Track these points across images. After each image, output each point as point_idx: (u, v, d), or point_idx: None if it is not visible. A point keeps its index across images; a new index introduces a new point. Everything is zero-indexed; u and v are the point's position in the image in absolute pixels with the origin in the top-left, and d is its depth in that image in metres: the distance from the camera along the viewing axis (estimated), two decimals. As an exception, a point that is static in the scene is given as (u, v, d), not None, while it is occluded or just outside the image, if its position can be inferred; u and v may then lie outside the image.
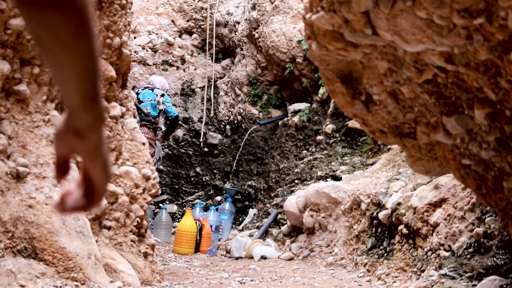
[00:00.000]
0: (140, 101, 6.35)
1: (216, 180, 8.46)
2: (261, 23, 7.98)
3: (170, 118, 6.67)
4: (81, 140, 0.81)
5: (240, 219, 7.41)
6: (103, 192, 0.85)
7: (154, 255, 3.86)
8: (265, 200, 7.24)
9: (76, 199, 0.84)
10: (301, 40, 7.40)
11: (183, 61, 9.19)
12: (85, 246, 3.16)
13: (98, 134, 0.82)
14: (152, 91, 6.56)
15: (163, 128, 6.88)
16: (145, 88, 6.71)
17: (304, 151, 7.21)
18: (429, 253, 3.52)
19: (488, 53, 1.54)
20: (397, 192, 4.34)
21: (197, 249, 6.12)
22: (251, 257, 5.53)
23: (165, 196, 8.39)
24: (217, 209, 7.04)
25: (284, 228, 5.95)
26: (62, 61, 0.78)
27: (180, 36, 9.30)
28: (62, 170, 0.85)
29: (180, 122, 7.38)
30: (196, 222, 6.22)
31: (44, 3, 0.72)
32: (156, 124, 6.49)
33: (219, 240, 6.63)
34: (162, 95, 6.55)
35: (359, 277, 4.17)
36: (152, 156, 6.17)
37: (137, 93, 6.39)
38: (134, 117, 4.18)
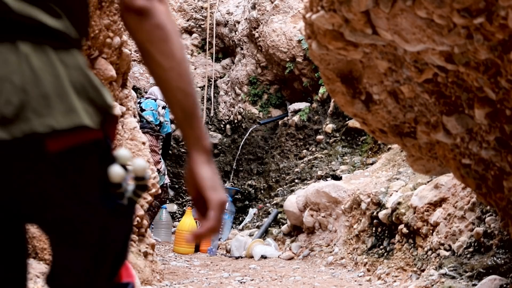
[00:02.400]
0: (142, 109, 6.44)
1: (216, 179, 8.46)
2: (261, 23, 7.98)
3: (164, 134, 6.71)
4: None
5: (240, 218, 7.41)
6: (219, 197, 1.00)
7: (154, 254, 3.86)
8: (265, 199, 7.24)
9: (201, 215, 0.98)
10: (301, 40, 7.40)
11: (183, 60, 9.18)
12: (85, 246, 3.16)
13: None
14: (155, 101, 6.61)
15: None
16: (147, 98, 6.75)
17: (304, 151, 7.21)
18: (429, 252, 3.52)
19: (488, 53, 1.54)
20: (397, 191, 4.34)
21: (197, 249, 6.12)
22: (251, 257, 5.54)
23: (168, 197, 8.39)
24: (217, 209, 7.04)
25: (284, 228, 5.96)
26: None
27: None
28: (202, 207, 1.00)
29: (171, 138, 7.35)
30: (196, 222, 6.22)
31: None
32: (158, 131, 6.53)
33: (219, 239, 6.63)
34: (164, 108, 6.60)
35: (359, 277, 4.17)
36: (159, 162, 6.19)
37: (139, 102, 6.48)
38: (134, 116, 4.18)
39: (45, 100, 0.85)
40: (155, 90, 6.93)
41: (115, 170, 0.94)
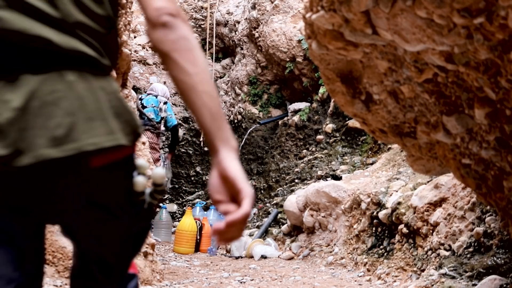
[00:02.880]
0: (143, 106, 6.46)
1: (216, 179, 8.46)
2: (261, 23, 7.98)
3: (169, 128, 6.73)
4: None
5: (240, 218, 7.41)
6: (250, 189, 1.06)
7: (154, 254, 3.86)
8: (265, 199, 7.24)
9: (235, 207, 1.05)
10: (301, 40, 7.40)
11: (183, 60, 9.19)
12: (85, 246, 3.16)
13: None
14: (156, 97, 6.63)
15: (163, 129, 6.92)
16: (148, 94, 6.76)
17: (304, 151, 7.21)
18: (429, 252, 3.52)
19: (488, 53, 1.54)
20: (397, 191, 4.34)
21: (197, 249, 6.12)
22: (251, 257, 5.54)
23: (165, 196, 8.39)
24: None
25: (284, 228, 5.96)
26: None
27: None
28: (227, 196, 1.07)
29: (178, 129, 7.43)
30: (196, 222, 6.22)
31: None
32: (159, 129, 6.55)
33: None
34: (165, 103, 6.62)
35: (359, 277, 4.17)
36: (158, 160, 6.21)
37: (141, 99, 6.50)
38: (134, 116, 4.18)
39: (90, 122, 0.99)
40: (156, 87, 6.94)
41: (139, 180, 1.10)
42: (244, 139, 8.12)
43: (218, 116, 1.08)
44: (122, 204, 1.10)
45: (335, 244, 5.01)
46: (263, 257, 5.43)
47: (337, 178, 5.72)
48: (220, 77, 9.07)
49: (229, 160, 1.07)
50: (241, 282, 4.16)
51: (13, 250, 1.04)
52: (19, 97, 0.97)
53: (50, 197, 1.03)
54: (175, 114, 7.97)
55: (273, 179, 7.43)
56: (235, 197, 1.06)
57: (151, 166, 4.06)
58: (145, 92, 7.39)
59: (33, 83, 0.98)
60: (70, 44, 1.01)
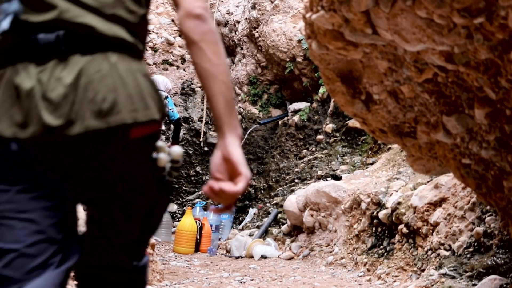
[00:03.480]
0: None
1: (216, 179, 8.46)
2: (261, 23, 7.98)
3: (172, 121, 6.72)
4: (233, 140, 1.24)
5: (240, 218, 7.41)
6: (248, 173, 1.22)
7: (154, 254, 3.86)
8: (265, 199, 7.24)
9: (231, 186, 1.20)
10: (301, 40, 7.40)
11: (183, 60, 9.20)
12: (85, 246, 3.16)
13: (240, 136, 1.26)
14: None
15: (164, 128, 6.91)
16: None
17: (304, 151, 7.21)
18: (429, 252, 3.52)
19: (488, 53, 1.54)
20: (397, 191, 4.34)
21: (197, 249, 6.12)
22: (251, 257, 5.54)
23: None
24: (217, 209, 7.04)
25: (284, 228, 5.96)
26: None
27: (180, 36, 9.30)
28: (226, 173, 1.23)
29: (181, 123, 7.43)
30: (196, 222, 6.22)
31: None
32: None
33: (219, 239, 6.63)
34: (166, 98, 6.61)
35: (359, 277, 4.17)
36: None
37: None
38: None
39: (130, 98, 1.15)
40: (157, 79, 6.93)
41: (162, 157, 1.25)
42: (244, 139, 8.12)
43: (231, 105, 1.24)
44: (149, 176, 1.24)
45: (335, 244, 5.01)
46: (263, 257, 5.43)
47: (337, 178, 5.72)
48: (220, 77, 9.07)
49: (234, 146, 1.22)
50: (241, 282, 4.16)
51: (60, 214, 1.17)
52: (70, 74, 1.12)
53: (93, 165, 1.17)
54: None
55: (273, 179, 7.43)
56: (232, 178, 1.21)
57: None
58: None
59: (81, 63, 1.13)
60: (112, 31, 1.17)
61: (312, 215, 5.40)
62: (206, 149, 8.60)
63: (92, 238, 1.28)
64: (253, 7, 8.20)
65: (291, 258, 5.37)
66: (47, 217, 1.15)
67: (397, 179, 4.66)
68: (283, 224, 6.08)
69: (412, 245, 3.81)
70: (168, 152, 1.28)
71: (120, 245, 1.29)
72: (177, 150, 1.30)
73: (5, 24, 1.15)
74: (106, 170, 1.18)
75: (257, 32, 8.07)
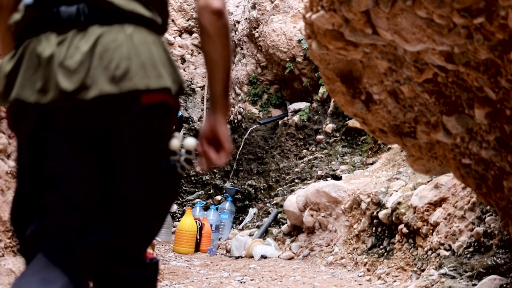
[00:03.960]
0: None
1: (216, 179, 8.46)
2: (261, 23, 7.98)
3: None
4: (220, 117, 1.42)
5: (240, 218, 7.41)
6: (231, 147, 1.43)
7: (154, 254, 3.86)
8: (265, 199, 7.24)
9: (215, 154, 1.40)
10: (301, 40, 7.40)
11: (183, 60, 9.19)
12: (85, 246, 3.16)
13: (227, 112, 1.45)
14: None
15: None
16: None
17: (304, 151, 7.21)
18: (429, 252, 3.52)
19: (488, 52, 1.54)
20: (397, 191, 4.34)
21: (197, 249, 6.12)
22: (251, 257, 5.54)
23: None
24: (217, 209, 7.05)
25: (284, 228, 5.95)
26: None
27: (180, 36, 9.31)
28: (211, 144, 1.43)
29: (183, 120, 7.43)
30: (196, 222, 6.22)
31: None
32: None
33: (219, 239, 6.63)
34: None
35: (359, 277, 4.17)
36: None
37: None
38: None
39: (143, 67, 1.22)
40: None
41: (173, 141, 1.33)
42: (244, 139, 8.12)
43: (227, 91, 1.43)
44: (157, 147, 1.30)
45: (335, 244, 5.01)
46: (263, 257, 5.43)
47: (337, 178, 5.72)
48: (220, 77, 9.06)
49: (223, 123, 1.43)
50: (241, 282, 4.16)
51: (79, 187, 1.25)
52: (87, 43, 1.20)
53: (107, 130, 1.24)
54: None
55: (273, 179, 7.43)
56: (216, 148, 1.42)
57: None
58: None
59: (99, 32, 1.22)
60: (129, 6, 1.27)
61: (312, 215, 5.40)
62: (206, 149, 8.59)
63: (97, 215, 1.30)
64: (253, 7, 8.20)
65: (291, 258, 5.37)
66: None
67: (397, 179, 4.66)
68: (283, 224, 6.08)
69: (412, 245, 3.80)
70: (182, 141, 1.36)
71: (123, 225, 1.30)
72: (191, 140, 1.38)
73: None
74: (118, 135, 1.25)
75: (257, 32, 8.07)
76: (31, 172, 1.27)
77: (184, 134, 6.74)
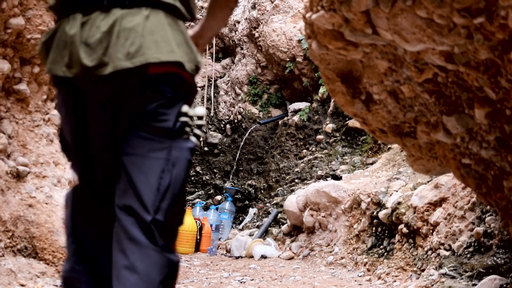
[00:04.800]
0: None
1: (216, 179, 8.46)
2: (261, 23, 7.98)
3: None
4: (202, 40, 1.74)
5: (240, 218, 7.41)
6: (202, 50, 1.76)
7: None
8: (265, 199, 7.24)
9: None
10: (301, 39, 7.40)
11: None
12: (85, 246, 3.16)
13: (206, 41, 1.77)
14: None
15: None
16: None
17: (304, 151, 7.21)
18: (429, 252, 3.52)
19: (488, 52, 1.54)
20: (397, 191, 4.34)
21: (197, 249, 6.12)
22: (251, 256, 5.54)
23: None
24: (217, 209, 7.05)
25: (284, 228, 5.95)
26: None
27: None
28: None
29: None
30: (196, 222, 6.22)
31: None
32: None
33: (219, 239, 6.63)
34: None
35: (359, 277, 4.17)
36: None
37: None
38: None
39: (156, 43, 1.38)
40: None
41: (184, 107, 1.45)
42: (244, 139, 8.12)
43: (215, 33, 1.80)
44: (166, 113, 1.41)
45: (335, 244, 5.01)
46: (263, 257, 5.43)
47: (337, 178, 5.72)
48: (220, 77, 9.06)
49: (204, 39, 1.73)
50: (241, 282, 4.16)
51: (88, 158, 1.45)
52: (107, 23, 1.37)
53: (120, 97, 1.39)
54: None
55: (273, 179, 7.42)
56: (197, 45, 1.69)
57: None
58: None
59: (118, 14, 1.38)
60: None
61: (312, 215, 5.40)
62: (206, 149, 8.59)
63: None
64: (253, 7, 8.19)
65: (291, 258, 5.37)
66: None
67: (397, 179, 4.66)
68: (283, 224, 6.08)
69: (412, 245, 3.80)
70: (192, 109, 1.48)
71: (135, 192, 1.37)
72: (200, 108, 1.51)
73: None
74: (129, 102, 1.39)
75: (257, 32, 8.07)
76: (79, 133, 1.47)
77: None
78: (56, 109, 1.56)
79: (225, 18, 1.71)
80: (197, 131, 1.46)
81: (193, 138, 1.45)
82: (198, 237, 6.14)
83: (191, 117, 1.45)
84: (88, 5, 1.40)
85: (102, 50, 1.35)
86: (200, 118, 1.47)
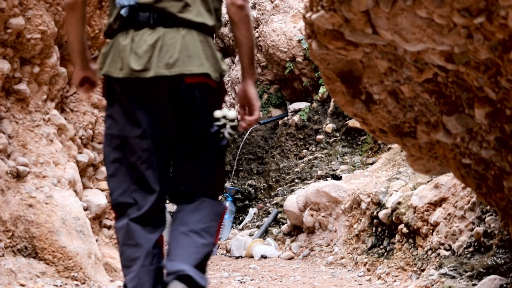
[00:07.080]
0: None
1: (216, 179, 8.45)
2: (261, 22, 7.98)
3: None
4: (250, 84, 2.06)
5: (240, 218, 7.41)
6: (259, 104, 2.08)
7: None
8: (265, 199, 7.24)
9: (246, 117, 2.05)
10: (301, 39, 7.40)
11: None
12: (85, 245, 3.16)
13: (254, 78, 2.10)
14: None
15: None
16: None
17: (304, 151, 7.21)
18: (429, 252, 3.52)
19: (488, 52, 1.54)
20: (397, 191, 4.34)
21: (197, 249, 6.10)
22: (251, 256, 5.54)
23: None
24: (217, 208, 7.03)
25: (284, 228, 5.95)
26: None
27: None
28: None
29: None
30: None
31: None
32: None
33: (219, 239, 6.62)
34: None
35: (359, 276, 4.17)
36: None
37: None
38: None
39: (189, 58, 1.80)
40: None
41: (217, 112, 1.85)
42: (244, 139, 8.12)
43: (252, 61, 2.03)
44: (204, 117, 1.83)
45: (335, 244, 5.01)
46: (263, 257, 5.43)
47: (337, 178, 5.72)
48: (220, 77, 9.06)
49: (251, 86, 2.06)
50: (241, 282, 4.16)
51: (155, 170, 1.87)
52: (152, 38, 1.80)
53: (159, 99, 1.81)
54: None
55: (273, 179, 7.43)
56: (249, 107, 2.05)
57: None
58: None
59: (161, 32, 1.81)
60: (184, 15, 1.83)
61: (312, 215, 5.40)
62: (206, 149, 8.59)
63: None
64: (253, 7, 8.20)
65: (291, 258, 5.37)
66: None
67: (397, 179, 4.66)
68: (283, 224, 6.08)
69: (412, 245, 3.80)
70: (225, 112, 1.84)
71: (184, 179, 1.96)
72: (231, 112, 1.85)
73: (124, 10, 1.83)
74: (168, 104, 1.80)
75: (257, 32, 8.07)
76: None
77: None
78: (107, 113, 1.92)
79: (248, 29, 1.98)
80: (230, 131, 1.82)
81: (227, 135, 1.82)
82: (198, 237, 6.13)
83: (224, 123, 1.83)
84: (139, 23, 1.82)
85: (147, 58, 1.77)
86: (232, 120, 1.84)
